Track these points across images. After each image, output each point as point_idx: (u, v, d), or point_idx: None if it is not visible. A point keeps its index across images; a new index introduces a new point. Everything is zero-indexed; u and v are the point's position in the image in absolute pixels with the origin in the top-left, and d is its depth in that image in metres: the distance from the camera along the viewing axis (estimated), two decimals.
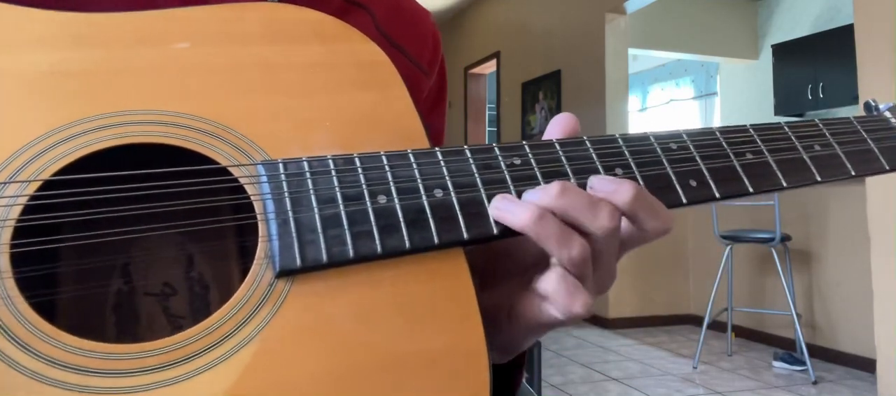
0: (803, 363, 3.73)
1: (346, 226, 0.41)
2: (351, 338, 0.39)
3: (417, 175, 0.43)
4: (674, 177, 0.48)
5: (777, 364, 3.88)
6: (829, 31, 5.80)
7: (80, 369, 0.36)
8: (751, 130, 0.52)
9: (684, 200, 0.47)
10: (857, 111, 0.53)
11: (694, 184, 0.48)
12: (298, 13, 0.48)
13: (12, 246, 0.37)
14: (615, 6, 5.01)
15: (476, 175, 0.44)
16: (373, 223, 0.41)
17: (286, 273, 0.39)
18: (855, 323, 3.79)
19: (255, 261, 0.40)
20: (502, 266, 0.48)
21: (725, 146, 0.50)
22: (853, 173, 0.53)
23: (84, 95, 0.42)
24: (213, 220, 0.45)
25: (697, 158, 0.49)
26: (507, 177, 0.45)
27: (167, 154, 0.41)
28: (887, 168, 0.54)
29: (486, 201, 0.43)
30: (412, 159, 0.44)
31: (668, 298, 5.05)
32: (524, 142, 0.46)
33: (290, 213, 0.40)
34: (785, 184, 0.50)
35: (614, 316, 4.95)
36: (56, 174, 0.39)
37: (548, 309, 0.43)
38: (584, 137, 0.48)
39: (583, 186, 0.44)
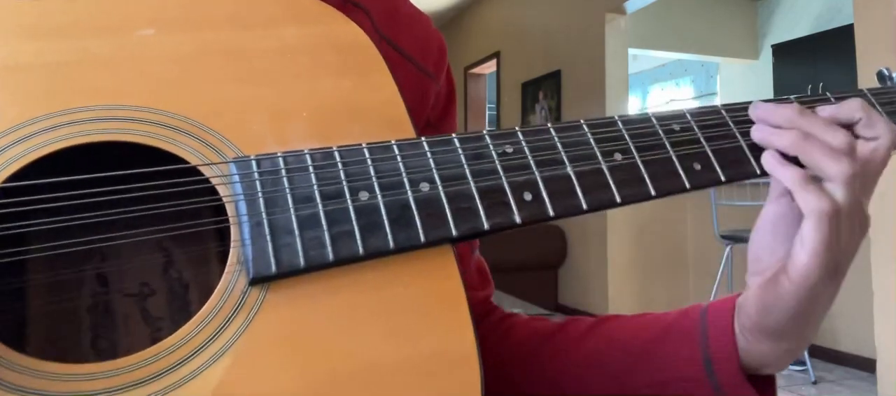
0: (803, 363, 3.72)
1: (324, 227, 0.38)
2: (331, 348, 0.36)
3: (402, 168, 0.40)
4: (676, 162, 0.45)
5: None
6: (829, 31, 5.79)
7: (42, 394, 0.33)
8: (831, 97, 0.51)
9: (688, 185, 0.45)
10: None
11: (698, 167, 0.46)
12: None
13: None
14: (615, 6, 5.01)
15: (465, 166, 0.41)
16: (354, 222, 0.38)
17: (260, 279, 0.36)
18: (855, 323, 3.79)
19: (226, 268, 0.37)
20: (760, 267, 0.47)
21: (732, 125, 0.48)
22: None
23: (37, 91, 0.38)
24: (185, 225, 0.41)
25: (702, 140, 0.47)
26: (499, 167, 0.42)
27: (131, 153, 0.38)
28: None
29: (476, 194, 0.41)
30: (396, 151, 0.41)
31: (668, 298, 5.04)
32: (517, 129, 0.44)
33: (264, 215, 0.37)
34: None
35: None
36: (8, 180, 0.36)
37: (805, 234, 0.43)
38: (581, 121, 0.45)
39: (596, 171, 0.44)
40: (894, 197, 2.95)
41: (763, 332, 0.47)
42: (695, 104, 8.11)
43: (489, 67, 7.13)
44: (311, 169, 0.39)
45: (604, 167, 0.44)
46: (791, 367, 3.79)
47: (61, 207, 0.36)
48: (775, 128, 0.47)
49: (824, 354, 3.99)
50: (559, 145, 0.44)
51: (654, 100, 8.79)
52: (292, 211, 0.38)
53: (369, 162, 0.40)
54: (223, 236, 0.40)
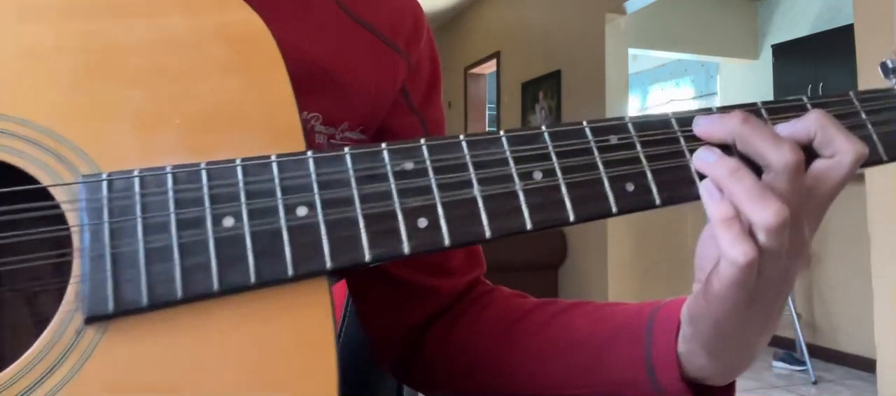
0: (803, 363, 3.72)
1: (176, 259, 0.33)
2: None
3: (278, 190, 0.35)
4: (606, 182, 0.40)
5: (777, 364, 3.87)
6: (829, 31, 5.78)
7: None
8: (761, 109, 0.45)
9: (614, 209, 0.40)
10: None
11: (631, 188, 0.40)
12: None
13: None
14: (615, 6, 5.01)
15: (354, 188, 0.36)
16: (212, 254, 0.33)
17: (96, 318, 0.32)
18: (855, 323, 3.79)
19: (61, 306, 0.32)
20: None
21: (681, 140, 0.42)
22: (885, 159, 0.46)
23: None
24: (19, 259, 0.36)
25: (642, 157, 0.41)
26: (394, 189, 0.37)
27: None
28: (885, 159, 0.45)
29: (361, 221, 0.36)
30: (275, 170, 0.36)
31: (668, 298, 5.04)
32: (422, 141, 0.39)
33: (108, 247, 0.33)
34: None
35: None
36: None
37: (720, 272, 0.39)
38: (501, 133, 0.40)
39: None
40: (894, 197, 2.95)
41: (697, 344, 0.45)
42: (695, 104, 8.12)
43: (489, 67, 7.13)
44: (170, 191, 0.34)
45: (518, 189, 0.39)
46: (791, 367, 3.79)
47: None
48: (720, 146, 0.41)
49: (824, 354, 3.99)
50: (470, 164, 0.39)
51: (654, 100, 8.79)
52: (141, 242, 0.33)
53: (241, 183, 0.35)
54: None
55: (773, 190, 0.39)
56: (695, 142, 0.42)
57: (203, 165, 0.35)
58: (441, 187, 0.38)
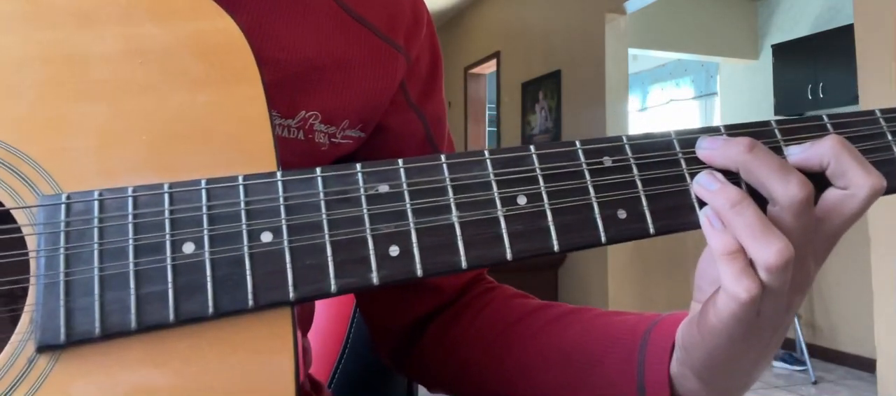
0: (803, 363, 3.72)
1: (132, 288, 0.32)
2: None
3: (243, 216, 0.34)
4: (596, 208, 0.38)
5: (777, 364, 3.87)
6: (829, 30, 5.78)
7: None
8: (828, 125, 0.42)
9: (603, 239, 0.37)
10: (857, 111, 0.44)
11: (623, 216, 0.38)
12: None
13: None
14: (615, 6, 5.01)
15: (323, 213, 0.35)
16: (169, 282, 0.32)
17: (48, 347, 0.31)
18: (855, 323, 3.79)
19: (14, 334, 0.31)
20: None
21: (682, 163, 0.40)
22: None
23: None
24: None
25: (637, 181, 0.39)
26: (366, 214, 0.35)
27: None
28: None
29: (328, 248, 0.34)
30: (241, 192, 0.34)
31: (668, 298, 5.04)
32: (400, 162, 0.37)
33: (61, 274, 0.32)
34: None
35: None
36: None
37: (719, 304, 0.37)
38: (486, 153, 0.38)
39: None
40: (894, 197, 2.95)
41: (690, 370, 0.43)
42: (695, 104, 8.12)
43: (489, 67, 7.13)
44: (130, 214, 0.33)
45: (500, 215, 0.37)
46: (791, 367, 3.79)
47: None
48: (724, 171, 0.39)
49: (824, 354, 3.99)
50: (449, 187, 0.37)
51: (654, 100, 8.79)
52: (96, 269, 0.32)
53: (205, 206, 0.34)
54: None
55: (778, 224, 0.37)
56: (698, 165, 0.40)
57: (166, 187, 0.34)
58: (416, 212, 0.36)
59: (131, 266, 0.32)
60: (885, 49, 2.97)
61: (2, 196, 0.33)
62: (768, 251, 0.36)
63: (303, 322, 0.67)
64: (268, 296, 0.33)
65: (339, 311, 0.79)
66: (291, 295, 0.33)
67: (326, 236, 0.34)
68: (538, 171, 0.38)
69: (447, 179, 0.37)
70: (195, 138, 0.35)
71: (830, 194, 0.39)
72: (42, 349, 0.31)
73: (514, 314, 0.58)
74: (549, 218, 0.37)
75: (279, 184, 0.35)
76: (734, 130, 0.41)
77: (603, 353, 0.50)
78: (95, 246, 0.32)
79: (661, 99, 8.70)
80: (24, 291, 0.36)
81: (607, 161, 0.39)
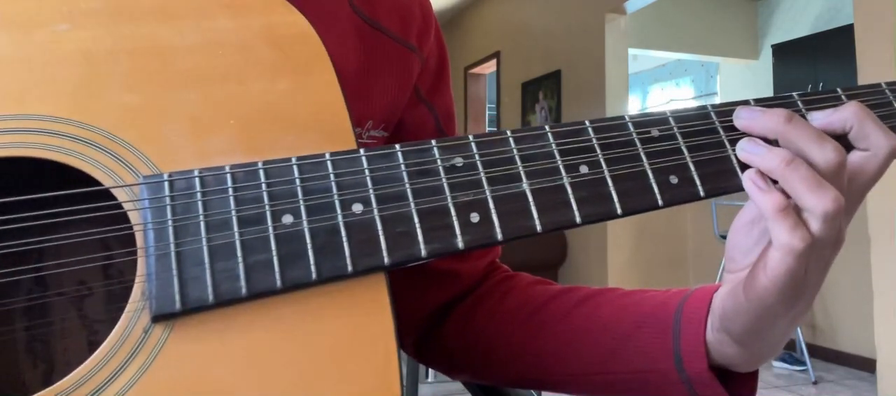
0: (803, 363, 3.72)
1: (239, 257, 0.34)
2: (239, 393, 0.32)
3: (334, 187, 0.36)
4: (651, 175, 0.40)
5: (777, 364, 3.88)
6: (829, 30, 5.78)
7: None
8: (845, 94, 0.45)
9: (660, 202, 0.40)
10: None
11: (675, 181, 0.40)
12: None
13: None
14: (615, 6, 5.01)
15: (406, 184, 0.37)
16: (274, 251, 0.34)
17: (164, 316, 0.32)
18: (855, 323, 3.79)
19: (128, 305, 0.33)
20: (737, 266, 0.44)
21: (720, 131, 0.43)
22: None
23: None
24: (89, 258, 0.37)
25: (683, 148, 0.42)
26: (445, 184, 0.37)
27: (35, 171, 0.34)
28: None
29: (415, 216, 0.36)
30: (330, 167, 0.36)
31: None
32: (470, 137, 0.39)
33: (172, 245, 0.33)
34: None
35: None
36: None
37: (771, 263, 0.39)
38: (546, 127, 0.40)
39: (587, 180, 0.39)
40: (895, 197, 2.95)
41: (727, 335, 0.46)
42: (695, 104, 8.12)
43: (489, 67, 7.13)
44: (230, 189, 0.35)
45: (566, 182, 0.39)
46: (791, 367, 3.79)
47: None
48: (761, 138, 0.42)
49: (824, 354, 3.99)
50: (517, 158, 0.39)
51: (654, 100, 8.79)
52: (204, 239, 0.34)
53: (297, 180, 0.36)
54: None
55: None
56: (733, 133, 0.43)
57: (260, 164, 0.36)
58: (490, 181, 0.38)
59: (237, 236, 0.34)
60: (885, 49, 2.97)
61: (103, 178, 0.34)
62: (825, 199, 0.38)
63: None
64: (364, 262, 0.35)
65: None
66: (386, 260, 0.35)
67: (412, 205, 0.37)
68: (595, 142, 0.40)
69: (514, 150, 0.39)
70: (278, 122, 0.37)
71: (854, 156, 0.43)
72: (158, 318, 0.33)
73: (539, 299, 0.59)
74: (610, 184, 0.40)
75: (363, 158, 0.37)
76: (763, 102, 0.44)
77: (636, 328, 0.52)
78: (201, 218, 0.34)
79: (661, 99, 8.70)
80: (100, 271, 0.38)
81: (654, 131, 0.42)
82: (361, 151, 0.37)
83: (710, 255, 4.62)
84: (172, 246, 0.34)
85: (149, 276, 0.33)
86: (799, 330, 3.77)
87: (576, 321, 0.55)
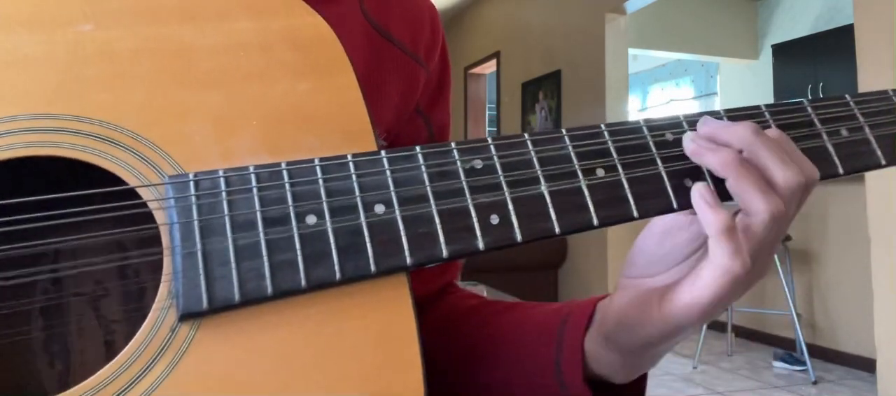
0: (803, 363, 3.72)
1: (264, 256, 0.34)
2: (266, 391, 0.33)
3: (356, 188, 0.36)
4: (666, 179, 0.40)
5: (777, 364, 3.88)
6: (829, 30, 5.78)
7: None
8: (765, 112, 0.44)
9: (675, 206, 0.40)
10: None
11: (690, 185, 0.40)
12: None
13: None
14: (615, 6, 5.01)
15: (427, 185, 0.37)
16: (298, 250, 0.34)
17: (191, 315, 0.33)
18: (855, 323, 3.79)
19: (155, 304, 0.33)
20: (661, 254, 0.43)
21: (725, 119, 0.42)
22: (884, 162, 0.44)
23: None
24: (115, 256, 0.37)
25: None
26: (465, 186, 0.38)
27: (60, 170, 0.34)
28: (883, 163, 0.44)
29: (436, 217, 0.37)
30: (352, 168, 0.37)
31: None
32: (489, 140, 0.40)
33: (199, 244, 0.34)
34: None
35: None
36: None
37: (702, 284, 0.38)
38: (563, 131, 0.41)
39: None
40: (895, 197, 2.95)
41: (614, 344, 0.45)
42: (695, 104, 8.12)
43: (489, 67, 7.13)
44: (254, 189, 0.35)
45: (583, 185, 0.39)
46: (791, 367, 3.79)
47: None
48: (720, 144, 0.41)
49: (824, 354, 3.99)
50: (535, 160, 0.39)
51: (654, 100, 8.79)
52: (230, 239, 0.34)
53: (321, 181, 0.36)
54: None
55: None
56: None
57: (284, 165, 0.36)
58: (509, 184, 0.38)
59: (262, 235, 0.34)
60: (885, 49, 2.97)
61: (128, 177, 0.35)
62: (772, 204, 0.38)
63: None
64: (387, 262, 0.35)
65: None
66: (408, 260, 0.36)
67: (433, 206, 0.37)
68: (611, 145, 0.41)
69: (532, 153, 0.40)
70: (300, 122, 0.38)
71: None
72: (185, 316, 0.33)
73: (458, 310, 0.60)
74: (627, 187, 0.40)
75: (384, 160, 0.37)
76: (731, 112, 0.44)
77: (530, 338, 0.52)
78: (227, 217, 0.34)
79: (661, 99, 8.70)
80: (117, 272, 0.38)
81: (668, 135, 0.42)
82: (383, 153, 0.38)
83: None
84: (199, 245, 0.34)
85: (176, 274, 0.33)
86: (799, 330, 3.77)
87: (486, 331, 0.56)
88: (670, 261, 0.43)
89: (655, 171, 0.41)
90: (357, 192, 0.36)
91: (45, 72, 0.35)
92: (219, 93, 0.37)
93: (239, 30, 0.39)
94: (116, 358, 0.32)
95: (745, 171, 0.39)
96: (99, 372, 0.32)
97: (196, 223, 0.34)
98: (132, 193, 0.35)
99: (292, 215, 0.35)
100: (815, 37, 5.94)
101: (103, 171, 0.35)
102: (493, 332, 0.55)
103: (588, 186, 0.39)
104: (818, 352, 3.96)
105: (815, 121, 0.44)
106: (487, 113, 7.54)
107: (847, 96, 0.46)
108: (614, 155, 0.41)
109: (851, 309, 3.82)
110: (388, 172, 0.37)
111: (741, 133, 0.40)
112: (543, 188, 0.39)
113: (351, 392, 0.34)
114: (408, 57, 0.61)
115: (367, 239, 0.36)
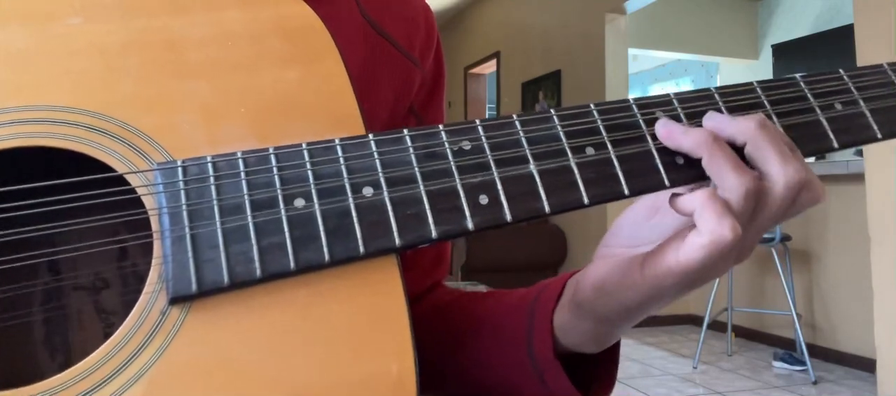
0: (803, 363, 3.72)
1: (253, 240, 0.34)
2: (256, 374, 0.33)
3: (344, 171, 0.37)
4: (657, 156, 0.40)
5: (777, 364, 3.87)
6: (829, 31, 5.78)
7: None
8: (757, 89, 0.44)
9: (667, 182, 0.40)
10: None
11: (681, 161, 0.40)
12: None
13: None
14: (615, 6, 5.01)
15: (415, 167, 0.37)
16: (286, 233, 0.35)
17: (180, 299, 0.33)
18: (855, 323, 3.79)
19: (145, 287, 0.33)
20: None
21: (724, 111, 0.42)
22: (879, 135, 0.44)
23: None
24: (107, 242, 0.38)
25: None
26: (453, 167, 0.38)
27: (51, 159, 0.35)
28: (879, 136, 0.44)
29: (425, 198, 0.37)
30: (339, 151, 0.37)
31: None
32: (477, 122, 0.40)
33: (187, 228, 0.34)
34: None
35: None
36: None
37: (689, 245, 0.37)
38: (552, 110, 0.40)
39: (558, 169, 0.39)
40: (895, 197, 2.95)
41: (589, 312, 0.45)
42: None
43: (489, 67, 7.13)
44: (242, 174, 0.36)
45: (573, 164, 0.39)
46: (791, 367, 3.79)
47: None
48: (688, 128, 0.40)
49: (824, 354, 3.99)
50: (524, 140, 0.39)
51: None
52: (218, 223, 0.34)
53: (308, 165, 0.36)
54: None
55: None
56: (740, 111, 0.43)
57: (271, 150, 0.36)
58: (498, 164, 0.38)
59: (250, 219, 0.35)
60: (885, 49, 2.97)
61: (117, 166, 0.35)
62: (745, 179, 0.38)
63: None
64: (376, 244, 0.36)
65: None
66: (397, 242, 0.36)
67: (421, 187, 0.37)
68: (600, 124, 0.41)
69: (521, 133, 0.40)
70: (288, 109, 0.38)
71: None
72: (175, 300, 0.33)
73: (451, 297, 0.61)
74: (617, 165, 0.40)
75: (372, 143, 0.38)
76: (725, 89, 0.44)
77: (507, 314, 0.53)
78: (215, 202, 0.35)
79: None
80: (114, 262, 0.38)
81: (659, 113, 0.42)
82: (370, 136, 0.38)
83: None
84: (187, 230, 0.34)
85: (165, 258, 0.34)
86: (799, 330, 3.77)
87: (469, 313, 0.56)
88: (656, 236, 0.43)
89: (646, 148, 0.40)
90: (345, 175, 0.37)
91: (35, 64, 0.36)
92: (208, 83, 0.38)
93: (228, 20, 0.39)
94: (107, 342, 0.32)
95: (718, 148, 0.39)
96: (89, 356, 0.32)
97: (184, 208, 0.34)
98: (122, 181, 0.35)
99: (280, 198, 0.35)
100: (815, 37, 5.94)
101: (94, 160, 0.35)
102: (472, 314, 0.56)
103: (577, 164, 0.39)
104: (818, 352, 3.96)
105: (809, 95, 0.44)
106: (487, 113, 7.54)
107: (841, 71, 0.46)
108: (604, 133, 0.40)
109: (851, 309, 3.82)
110: (375, 155, 0.37)
111: (747, 126, 0.40)
112: (532, 167, 0.39)
113: (342, 374, 0.34)
114: (404, 56, 0.61)
115: (356, 221, 0.36)
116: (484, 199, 0.38)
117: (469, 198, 0.37)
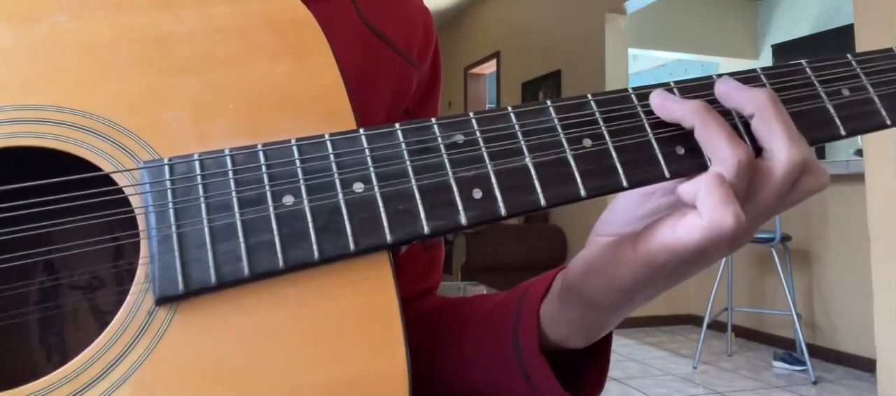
0: (803, 363, 3.72)
1: (241, 238, 0.33)
2: (244, 375, 0.32)
3: (334, 167, 0.36)
4: (656, 145, 0.39)
5: (777, 364, 3.87)
6: (829, 31, 5.79)
7: None
8: (761, 76, 0.42)
9: (667, 174, 0.38)
10: None
11: (681, 151, 0.39)
12: None
13: None
14: (615, 6, 5.01)
15: (407, 161, 0.37)
16: (275, 231, 0.34)
17: (167, 299, 0.32)
18: (855, 323, 3.79)
19: (132, 287, 0.33)
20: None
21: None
22: (888, 122, 0.42)
23: None
24: (92, 241, 0.37)
25: None
26: (446, 161, 0.37)
27: (38, 160, 0.34)
28: (888, 123, 0.42)
29: (416, 193, 0.36)
30: (329, 147, 0.36)
31: (668, 298, 5.04)
32: (471, 114, 0.39)
33: (174, 227, 0.33)
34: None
35: None
36: None
37: (687, 224, 0.36)
38: (548, 102, 0.39)
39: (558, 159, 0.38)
40: (895, 197, 2.95)
41: (576, 296, 0.44)
42: None
43: (489, 67, 7.13)
44: (230, 171, 0.35)
45: (569, 156, 0.38)
46: (791, 367, 3.79)
47: None
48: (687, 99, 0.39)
49: (824, 354, 3.98)
50: (519, 133, 0.38)
51: None
52: (205, 221, 0.34)
53: (297, 160, 0.36)
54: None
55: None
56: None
57: (260, 146, 0.36)
58: (492, 156, 0.37)
59: (238, 217, 0.34)
60: None
61: (104, 165, 0.35)
62: (739, 151, 0.37)
63: None
64: (366, 241, 0.35)
65: None
66: (388, 238, 0.35)
67: (413, 182, 0.36)
68: (598, 115, 0.39)
69: (516, 125, 0.38)
70: (278, 104, 0.37)
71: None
72: (161, 300, 0.33)
73: (443, 301, 0.61)
74: (614, 156, 0.38)
75: (363, 138, 0.37)
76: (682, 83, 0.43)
77: (494, 312, 0.52)
78: (202, 200, 0.34)
79: None
80: (107, 264, 0.38)
81: None
82: (361, 130, 0.37)
83: None
84: (174, 228, 0.33)
85: (152, 258, 0.33)
86: (799, 330, 3.77)
87: (457, 314, 0.56)
88: (648, 222, 0.41)
89: (645, 139, 0.39)
90: (335, 171, 0.36)
91: (22, 64, 0.35)
92: (196, 79, 0.37)
93: (216, 15, 0.39)
94: (94, 343, 0.32)
95: (711, 117, 0.38)
96: (77, 357, 0.32)
97: (171, 206, 0.34)
98: (109, 180, 0.34)
99: (268, 195, 0.35)
100: (815, 37, 5.94)
101: (80, 160, 0.35)
102: (460, 314, 0.56)
103: (574, 156, 0.38)
104: (818, 352, 3.96)
105: (815, 82, 0.42)
106: None
107: (849, 56, 0.44)
108: (602, 124, 0.39)
109: (851, 309, 3.82)
110: (366, 150, 0.37)
111: (758, 97, 0.38)
112: (527, 160, 0.38)
113: (333, 374, 0.33)
114: (401, 57, 0.61)
115: (346, 218, 0.35)
116: (478, 193, 0.37)
117: (462, 192, 0.37)
